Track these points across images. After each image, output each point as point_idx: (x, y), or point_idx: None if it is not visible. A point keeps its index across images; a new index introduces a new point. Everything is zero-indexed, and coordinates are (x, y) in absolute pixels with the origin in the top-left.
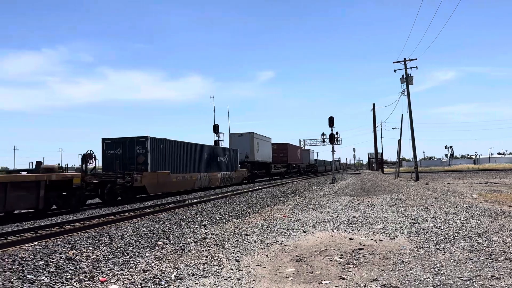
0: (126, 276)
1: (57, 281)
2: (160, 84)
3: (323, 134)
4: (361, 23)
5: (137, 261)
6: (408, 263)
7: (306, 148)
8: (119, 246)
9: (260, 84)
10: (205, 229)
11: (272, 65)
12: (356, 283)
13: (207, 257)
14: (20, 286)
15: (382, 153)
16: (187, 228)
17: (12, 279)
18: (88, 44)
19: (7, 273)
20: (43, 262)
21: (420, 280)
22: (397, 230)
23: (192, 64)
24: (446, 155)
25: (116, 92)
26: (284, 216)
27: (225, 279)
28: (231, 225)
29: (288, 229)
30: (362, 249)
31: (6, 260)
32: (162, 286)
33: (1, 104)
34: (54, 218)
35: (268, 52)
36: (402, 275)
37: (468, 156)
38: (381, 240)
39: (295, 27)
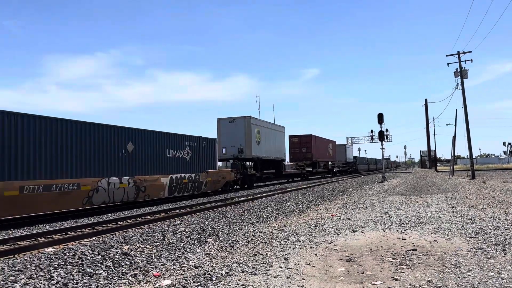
0: (179, 272)
1: (114, 275)
2: (207, 85)
3: (372, 131)
4: (411, 15)
5: (188, 257)
6: (465, 265)
7: (352, 145)
8: (171, 242)
9: (305, 82)
10: (253, 226)
11: (317, 62)
12: (410, 284)
13: (255, 254)
14: (80, 278)
15: (435, 150)
16: (235, 225)
17: (73, 272)
18: (139, 47)
19: (68, 266)
20: (100, 256)
21: (479, 283)
22: (452, 231)
23: (237, 64)
24: (504, 152)
25: (165, 93)
26: (332, 215)
27: (274, 277)
28: (278, 223)
29: (337, 229)
30: (416, 249)
31: (67, 254)
32: (213, 282)
33: (60, 106)
34: (110, 214)
35: (313, 50)
36: (459, 277)
37: None
38: (436, 240)
39: (341, 23)
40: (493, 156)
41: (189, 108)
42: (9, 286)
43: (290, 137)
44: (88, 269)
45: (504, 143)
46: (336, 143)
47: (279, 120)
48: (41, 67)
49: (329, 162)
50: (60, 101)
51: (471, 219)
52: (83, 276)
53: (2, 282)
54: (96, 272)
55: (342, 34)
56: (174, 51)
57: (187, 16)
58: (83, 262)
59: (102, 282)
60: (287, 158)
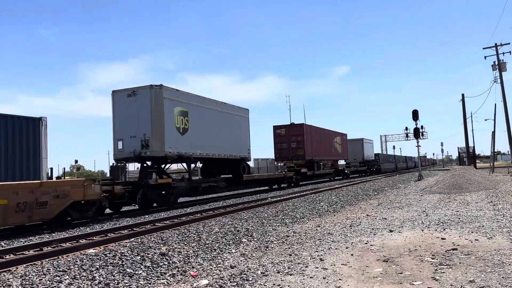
0: (215, 272)
1: (153, 275)
2: (237, 86)
3: (407, 128)
4: (444, 8)
5: (224, 257)
6: (509, 264)
7: (386, 142)
8: (207, 242)
9: (335, 80)
10: (287, 227)
11: (348, 59)
12: (451, 285)
13: (290, 255)
14: (121, 279)
15: (473, 147)
16: (269, 226)
17: (114, 272)
18: (170, 52)
19: (109, 267)
20: (139, 257)
21: None
22: (494, 229)
23: (266, 64)
24: None
25: None
26: (367, 215)
27: (310, 277)
28: (312, 224)
29: (373, 228)
30: (456, 249)
31: (107, 255)
32: (249, 282)
33: (96, 111)
34: (147, 216)
35: (343, 47)
36: (503, 277)
37: None
38: (477, 239)
39: (370, 19)
40: None
41: None
42: (55, 286)
43: (275, 128)
44: (128, 270)
45: None
46: (349, 138)
47: (309, 118)
48: (77, 75)
49: (338, 161)
50: (96, 106)
51: None
52: (124, 276)
53: (48, 282)
54: (136, 272)
55: (371, 30)
56: (203, 54)
57: (214, 19)
58: (123, 263)
59: (142, 282)
60: (272, 156)
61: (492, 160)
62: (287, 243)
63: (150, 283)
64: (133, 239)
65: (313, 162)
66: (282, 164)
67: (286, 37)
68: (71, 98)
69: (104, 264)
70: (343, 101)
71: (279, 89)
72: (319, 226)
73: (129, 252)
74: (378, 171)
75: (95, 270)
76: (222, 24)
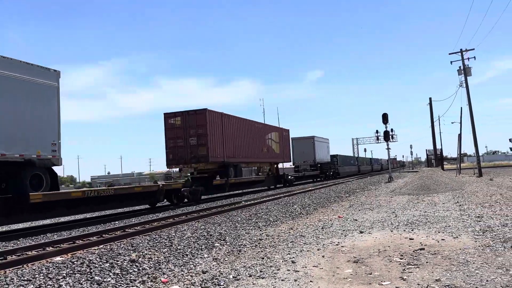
0: (187, 277)
1: (122, 282)
2: (211, 90)
3: (377, 131)
4: (413, 15)
5: (196, 262)
6: (473, 263)
7: (358, 145)
8: (178, 247)
9: (309, 84)
10: (260, 230)
11: (321, 64)
12: (418, 284)
13: (263, 258)
14: (89, 286)
15: (441, 149)
16: (242, 229)
17: (81, 280)
18: (143, 55)
19: (76, 274)
20: (108, 264)
21: (487, 280)
22: (460, 229)
23: (241, 68)
24: (511, 149)
25: (170, 100)
26: (339, 216)
27: (282, 280)
28: (285, 227)
29: (344, 230)
30: (423, 249)
31: (75, 262)
32: (221, 286)
33: (66, 116)
34: (117, 222)
35: (316, 51)
36: (467, 275)
37: None
38: (443, 239)
39: (343, 25)
40: (500, 153)
41: None
42: None
43: (167, 116)
44: (96, 277)
45: (510, 140)
46: (298, 136)
47: (284, 122)
48: None
49: (276, 165)
50: (66, 110)
51: (478, 217)
52: (92, 284)
53: None
54: (105, 280)
55: (344, 35)
56: (177, 58)
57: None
58: (92, 270)
59: None
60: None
61: (458, 162)
62: (260, 246)
63: None
64: (102, 246)
65: (228, 165)
66: (178, 169)
67: (260, 42)
68: None
69: (71, 272)
70: (316, 105)
71: (254, 93)
72: (292, 229)
73: (97, 259)
74: (336, 175)
75: (61, 278)
76: (196, 28)
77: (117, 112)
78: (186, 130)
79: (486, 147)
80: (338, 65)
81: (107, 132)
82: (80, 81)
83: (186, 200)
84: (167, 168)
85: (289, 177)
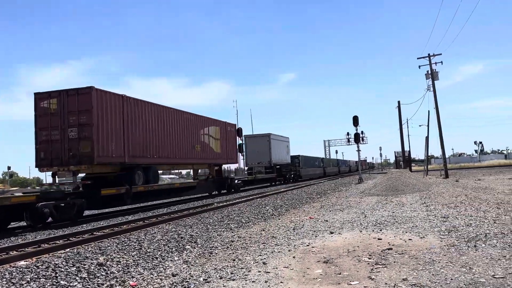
0: (156, 280)
1: (89, 286)
2: (183, 90)
3: (348, 134)
4: (383, 20)
5: (166, 265)
6: (439, 262)
7: (330, 146)
8: (148, 250)
9: (282, 86)
10: (232, 232)
11: (293, 67)
12: (386, 283)
13: (234, 260)
14: None
15: (409, 151)
16: (214, 231)
17: (46, 285)
18: (113, 54)
19: (41, 279)
20: (75, 268)
21: (451, 279)
22: (426, 229)
23: (214, 70)
24: (476, 151)
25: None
26: (310, 217)
27: (252, 282)
28: (257, 228)
29: (314, 231)
30: (391, 249)
31: (40, 267)
32: None
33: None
34: (84, 225)
35: (289, 55)
36: (433, 274)
37: (499, 151)
38: (411, 239)
39: (315, 28)
40: (465, 155)
41: None
42: None
43: (38, 97)
44: (62, 282)
45: (475, 142)
46: (254, 133)
47: (257, 124)
48: (13, 77)
49: (219, 167)
50: (32, 109)
51: (444, 217)
52: None
53: None
54: (71, 284)
55: (316, 39)
56: (149, 58)
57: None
58: (57, 275)
59: None
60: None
61: (426, 164)
62: (232, 248)
63: None
64: (68, 249)
65: (133, 168)
66: (51, 173)
67: (234, 43)
68: (7, 101)
69: (36, 276)
70: (290, 107)
71: (227, 94)
72: (263, 230)
73: (63, 263)
74: (297, 178)
75: (25, 283)
76: (169, 28)
77: None
78: (64, 118)
79: (452, 149)
80: (310, 68)
81: None
82: (49, 81)
83: (50, 219)
84: (39, 170)
85: (236, 181)
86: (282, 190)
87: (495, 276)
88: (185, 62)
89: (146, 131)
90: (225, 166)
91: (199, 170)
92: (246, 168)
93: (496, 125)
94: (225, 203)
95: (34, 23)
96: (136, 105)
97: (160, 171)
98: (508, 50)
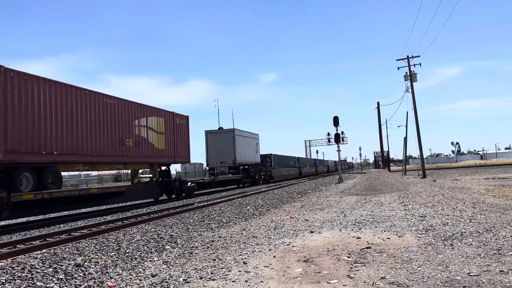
0: (135, 281)
1: (66, 287)
2: (164, 89)
3: (328, 134)
4: (364, 22)
5: (145, 266)
6: (416, 260)
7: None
8: (127, 251)
9: (263, 86)
10: (212, 232)
11: (275, 67)
12: (364, 282)
13: (214, 260)
14: None
15: (388, 151)
16: (195, 231)
17: (22, 287)
18: (91, 52)
19: (17, 281)
20: (52, 269)
21: (428, 277)
22: (404, 228)
23: (196, 68)
24: (453, 152)
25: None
26: (291, 217)
27: (233, 281)
28: (238, 228)
29: (295, 230)
30: (370, 247)
31: (15, 268)
32: None
33: None
34: (62, 225)
35: (271, 55)
36: (410, 273)
37: (475, 152)
38: (389, 238)
39: (297, 29)
40: (442, 156)
41: None
42: None
43: None
44: (38, 283)
45: (452, 143)
46: (218, 129)
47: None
48: None
49: (167, 167)
50: None
51: (422, 216)
52: None
53: None
54: (47, 285)
55: (298, 39)
56: (129, 56)
57: (141, 19)
58: (33, 276)
59: None
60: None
61: (404, 164)
62: (212, 248)
63: None
64: (45, 250)
65: (15, 169)
66: None
67: (216, 43)
68: None
69: (11, 278)
70: (271, 107)
71: (208, 93)
72: (244, 230)
73: (40, 264)
74: (268, 179)
75: (0, 285)
76: (149, 25)
77: None
78: None
79: (430, 149)
80: (291, 68)
81: None
82: None
83: None
84: None
85: (189, 184)
86: (263, 190)
87: (470, 274)
88: (165, 60)
89: (42, 119)
90: (189, 168)
91: (140, 171)
92: (208, 168)
93: (473, 127)
94: (206, 203)
95: (10, 19)
96: (25, 82)
97: (84, 172)
98: (484, 52)
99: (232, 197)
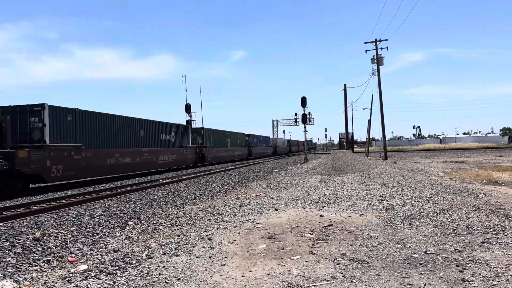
0: (96, 256)
1: (24, 262)
2: (128, 62)
3: (296, 114)
4: (335, 4)
5: (107, 241)
6: (376, 238)
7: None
8: (88, 226)
9: (232, 64)
10: (177, 208)
11: (244, 44)
12: (326, 258)
13: (179, 236)
14: None
15: (352, 133)
16: (159, 208)
17: None
18: (52, 20)
19: None
20: (8, 243)
21: (387, 254)
22: (365, 207)
23: (162, 42)
24: (414, 135)
25: (83, 70)
26: (256, 195)
27: (197, 257)
28: (203, 205)
29: (260, 208)
30: (332, 225)
31: None
32: (132, 265)
33: None
34: (20, 199)
35: (241, 32)
36: (370, 250)
37: (435, 136)
38: (350, 216)
39: (267, 8)
40: (404, 139)
41: (109, 86)
42: None
43: None
44: None
45: (413, 127)
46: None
47: (206, 101)
48: None
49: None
50: None
51: (382, 196)
52: None
53: None
54: (4, 259)
55: (268, 19)
56: (92, 26)
57: None
58: None
59: (10, 270)
60: None
61: (367, 146)
62: (177, 224)
63: (20, 271)
64: (2, 223)
65: None
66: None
67: (184, 17)
68: None
69: None
70: (240, 85)
71: (175, 68)
72: (210, 207)
73: None
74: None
75: None
76: None
77: (23, 80)
78: None
79: (392, 132)
80: (260, 47)
81: (12, 101)
82: None
83: None
84: None
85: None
86: (229, 168)
87: (427, 251)
88: (131, 33)
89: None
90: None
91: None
92: None
93: (433, 111)
94: (171, 180)
95: None
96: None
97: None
98: (446, 40)
99: (198, 174)
